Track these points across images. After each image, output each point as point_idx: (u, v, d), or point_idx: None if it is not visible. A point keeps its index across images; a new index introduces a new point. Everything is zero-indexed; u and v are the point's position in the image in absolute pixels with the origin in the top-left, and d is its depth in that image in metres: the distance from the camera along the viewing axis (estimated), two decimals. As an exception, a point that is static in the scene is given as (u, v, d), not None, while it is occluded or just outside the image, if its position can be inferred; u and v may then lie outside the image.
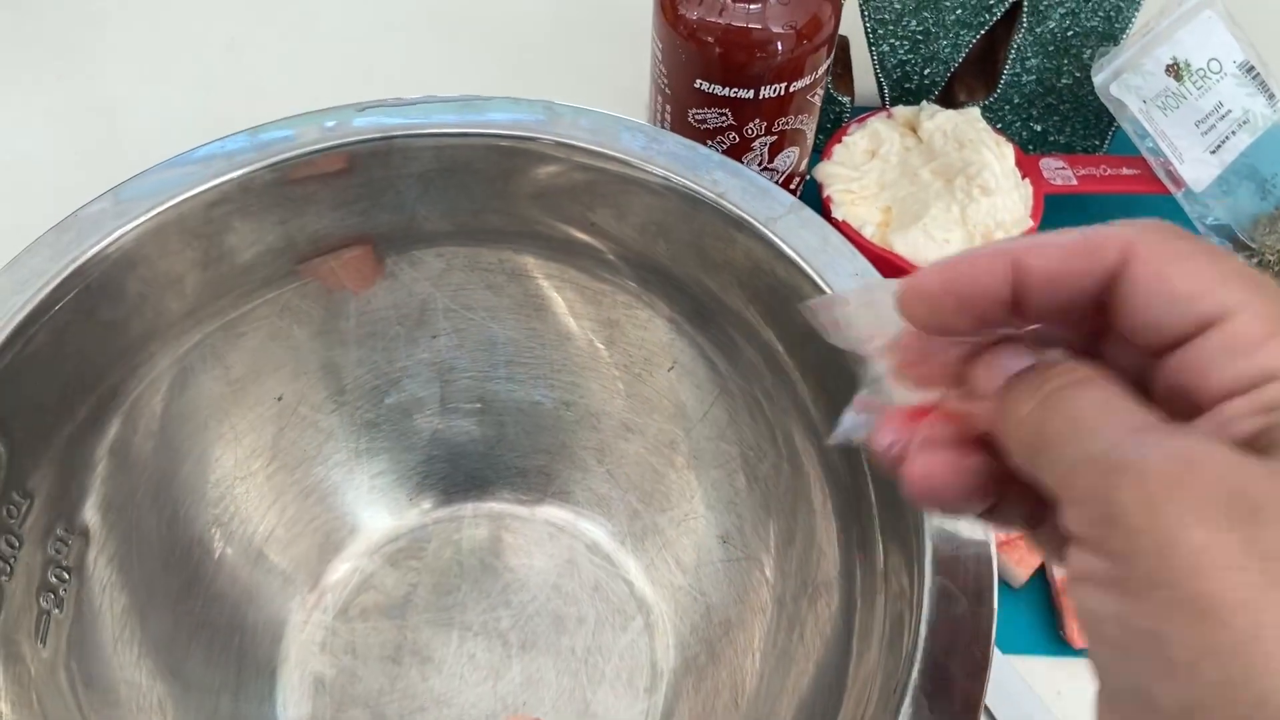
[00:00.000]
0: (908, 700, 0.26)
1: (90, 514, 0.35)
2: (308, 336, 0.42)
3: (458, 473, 0.46)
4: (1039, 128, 0.56)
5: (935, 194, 0.48)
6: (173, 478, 0.39)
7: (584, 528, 0.45)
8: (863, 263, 0.34)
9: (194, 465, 0.40)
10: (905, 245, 0.47)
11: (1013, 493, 0.19)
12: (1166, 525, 0.14)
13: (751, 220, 0.35)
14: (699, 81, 0.45)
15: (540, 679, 0.41)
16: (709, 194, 0.36)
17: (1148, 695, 0.15)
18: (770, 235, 0.35)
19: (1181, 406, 0.17)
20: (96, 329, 0.34)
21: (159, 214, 0.35)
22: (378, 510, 0.45)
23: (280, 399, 0.42)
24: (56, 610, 0.34)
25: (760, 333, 0.38)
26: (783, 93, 0.45)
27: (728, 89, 0.45)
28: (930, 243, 0.47)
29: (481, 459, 0.46)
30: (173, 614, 0.38)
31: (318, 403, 0.43)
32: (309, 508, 0.43)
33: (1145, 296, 0.17)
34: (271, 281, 0.39)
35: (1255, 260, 0.48)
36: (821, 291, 0.34)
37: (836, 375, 0.34)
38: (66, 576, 0.34)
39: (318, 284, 0.40)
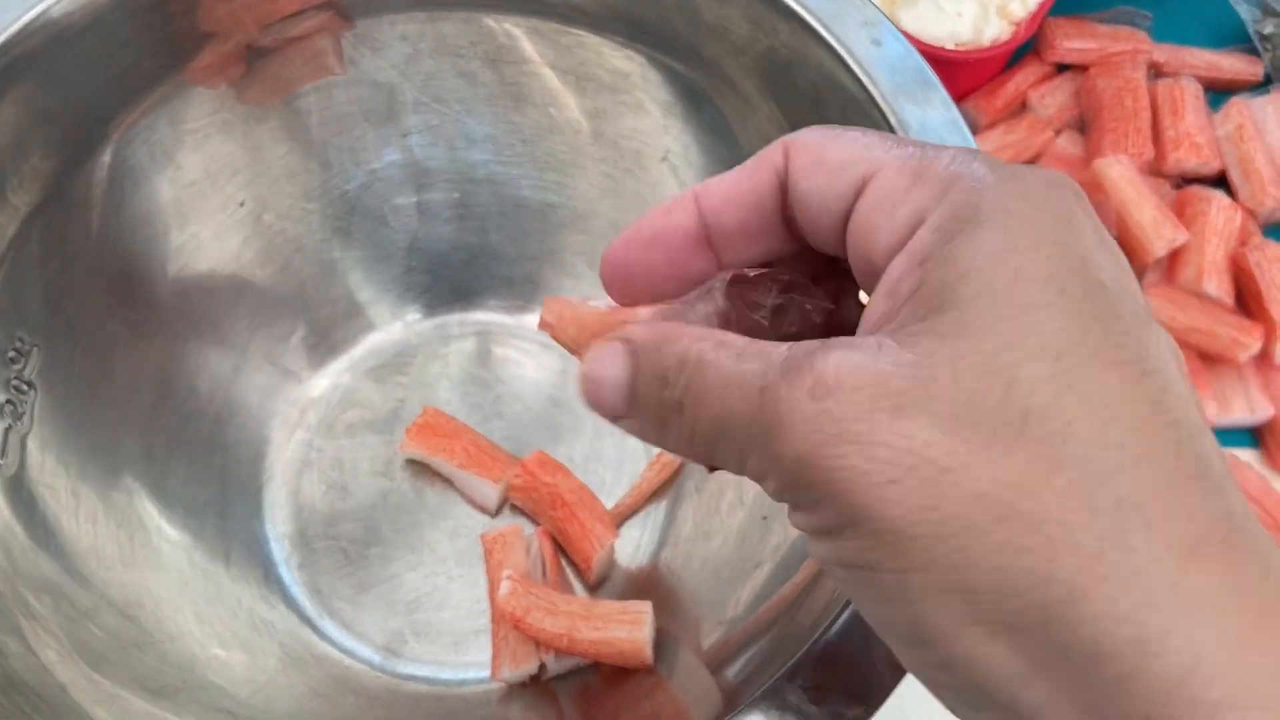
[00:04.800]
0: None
1: (43, 321, 0.33)
2: (266, 136, 0.38)
3: (440, 284, 0.43)
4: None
5: (946, -37, 0.44)
6: (133, 288, 0.36)
7: (576, 336, 0.43)
8: (873, 11, 0.31)
9: (155, 275, 0.37)
10: (914, 21, 0.43)
11: None
12: (823, 466, 0.14)
13: (748, -31, 0.31)
14: None
15: (538, 488, 0.40)
16: (701, -59, 0.32)
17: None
18: (770, -15, 0.31)
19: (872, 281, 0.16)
20: (29, 113, 0.31)
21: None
22: (356, 325, 0.42)
23: (243, 205, 0.39)
24: (16, 423, 0.32)
25: (759, 107, 0.35)
26: None
27: None
28: (941, 16, 0.43)
29: (465, 268, 0.43)
30: (147, 432, 0.36)
31: (283, 210, 0.40)
32: (282, 322, 0.41)
33: (808, 177, 0.17)
34: (217, 66, 0.35)
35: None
36: (831, 51, 0.31)
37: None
38: (25, 389, 0.32)
39: (271, 72, 0.37)
